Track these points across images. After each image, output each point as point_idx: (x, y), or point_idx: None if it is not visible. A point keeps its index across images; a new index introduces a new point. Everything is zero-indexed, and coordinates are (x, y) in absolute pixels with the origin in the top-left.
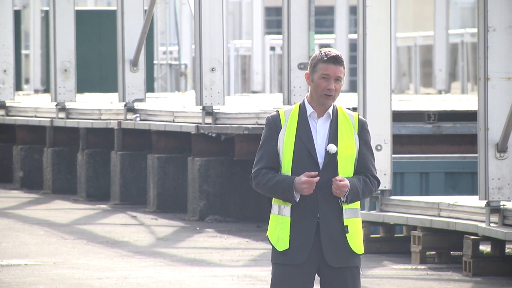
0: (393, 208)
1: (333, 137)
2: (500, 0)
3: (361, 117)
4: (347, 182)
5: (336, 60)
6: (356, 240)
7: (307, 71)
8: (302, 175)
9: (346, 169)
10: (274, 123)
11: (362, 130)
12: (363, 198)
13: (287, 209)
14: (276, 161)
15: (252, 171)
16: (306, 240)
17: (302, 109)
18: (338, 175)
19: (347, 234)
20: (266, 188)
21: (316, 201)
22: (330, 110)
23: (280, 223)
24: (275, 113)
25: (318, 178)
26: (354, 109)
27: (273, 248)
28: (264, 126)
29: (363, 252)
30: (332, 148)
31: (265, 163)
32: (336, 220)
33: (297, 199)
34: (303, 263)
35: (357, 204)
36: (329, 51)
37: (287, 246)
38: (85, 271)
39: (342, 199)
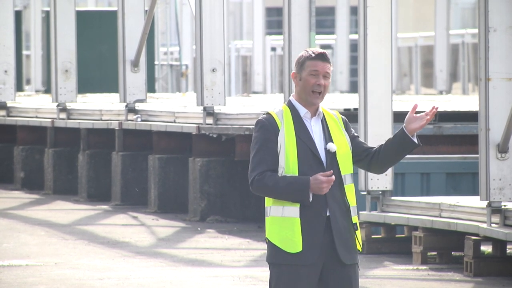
0: (394, 209)
1: (328, 136)
2: (501, 0)
3: (341, 114)
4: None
5: (323, 57)
6: (359, 238)
7: (294, 71)
8: (317, 175)
9: (346, 166)
10: (271, 126)
11: (347, 125)
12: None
13: (293, 209)
14: (277, 163)
15: (254, 174)
16: (316, 240)
17: (293, 109)
18: (340, 173)
19: (356, 232)
20: (274, 190)
21: (325, 200)
22: (320, 110)
23: (287, 224)
24: (267, 115)
25: (334, 177)
26: (355, 110)
27: (277, 250)
28: (257, 129)
29: (361, 249)
30: (332, 146)
31: (269, 166)
32: (343, 218)
33: (311, 200)
34: (313, 263)
35: (355, 202)
36: (315, 49)
37: (300, 248)
38: (86, 272)
39: (414, 140)
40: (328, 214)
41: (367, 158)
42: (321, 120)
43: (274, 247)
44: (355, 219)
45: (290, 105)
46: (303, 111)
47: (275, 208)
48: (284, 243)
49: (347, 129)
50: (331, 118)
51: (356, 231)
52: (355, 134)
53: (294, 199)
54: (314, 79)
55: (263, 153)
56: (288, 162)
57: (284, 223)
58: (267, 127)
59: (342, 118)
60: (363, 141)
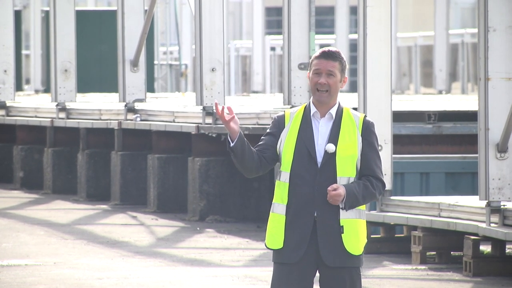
0: (394, 208)
1: (333, 137)
2: (500, 0)
3: (368, 118)
4: (340, 191)
5: (327, 55)
6: (352, 241)
7: (308, 71)
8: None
9: (345, 169)
10: (278, 123)
11: (366, 131)
12: (365, 203)
13: (281, 207)
14: (268, 152)
15: None
16: (301, 239)
17: (306, 109)
18: (336, 175)
19: (342, 235)
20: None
21: (313, 200)
22: (333, 111)
23: (274, 221)
24: (281, 113)
25: (219, 106)
26: (354, 109)
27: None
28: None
29: (360, 253)
30: (330, 147)
31: (258, 148)
32: (333, 220)
33: (232, 144)
34: (299, 261)
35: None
36: (326, 48)
37: (281, 245)
38: (86, 271)
39: (341, 206)
40: (316, 214)
41: (360, 175)
42: (334, 121)
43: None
44: (344, 222)
45: (307, 105)
46: (313, 110)
47: (272, 205)
48: (270, 239)
49: (365, 135)
50: (349, 120)
51: (347, 234)
52: (368, 148)
53: (230, 151)
54: (316, 77)
55: (261, 141)
56: (284, 159)
57: (273, 219)
58: (276, 123)
59: (364, 122)
60: (370, 162)
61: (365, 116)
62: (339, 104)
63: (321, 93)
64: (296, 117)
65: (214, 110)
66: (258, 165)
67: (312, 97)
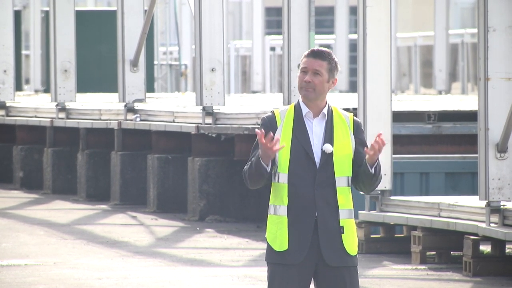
0: (393, 208)
1: (329, 137)
2: (500, 0)
3: (355, 117)
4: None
5: (315, 54)
6: (350, 241)
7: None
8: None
9: (342, 168)
10: (270, 123)
11: (358, 130)
12: (377, 182)
13: (283, 208)
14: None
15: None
16: (304, 240)
17: (297, 109)
18: (334, 174)
19: (342, 235)
20: (248, 174)
21: (314, 201)
22: (325, 110)
23: (277, 223)
24: (270, 113)
25: (271, 134)
26: (354, 109)
27: (270, 248)
28: (259, 126)
29: (356, 253)
30: (328, 147)
31: None
32: (333, 220)
33: (268, 169)
34: (301, 262)
35: (350, 205)
36: (315, 48)
37: (286, 247)
38: (85, 271)
39: (371, 170)
40: (316, 214)
41: (355, 173)
42: (326, 121)
43: (268, 246)
44: (343, 222)
45: (297, 104)
46: (305, 110)
47: (271, 207)
48: (273, 241)
49: (357, 133)
50: (340, 120)
51: (346, 234)
52: (361, 146)
53: (259, 174)
54: (302, 75)
55: (257, 150)
56: (281, 160)
57: (274, 221)
58: (267, 124)
59: (354, 122)
60: (365, 156)
61: (353, 115)
62: (328, 103)
63: (306, 90)
64: (287, 116)
65: (258, 138)
66: (268, 178)
67: (301, 96)
